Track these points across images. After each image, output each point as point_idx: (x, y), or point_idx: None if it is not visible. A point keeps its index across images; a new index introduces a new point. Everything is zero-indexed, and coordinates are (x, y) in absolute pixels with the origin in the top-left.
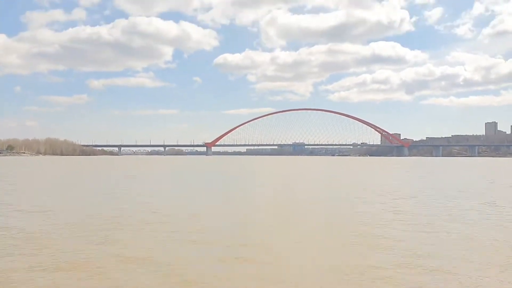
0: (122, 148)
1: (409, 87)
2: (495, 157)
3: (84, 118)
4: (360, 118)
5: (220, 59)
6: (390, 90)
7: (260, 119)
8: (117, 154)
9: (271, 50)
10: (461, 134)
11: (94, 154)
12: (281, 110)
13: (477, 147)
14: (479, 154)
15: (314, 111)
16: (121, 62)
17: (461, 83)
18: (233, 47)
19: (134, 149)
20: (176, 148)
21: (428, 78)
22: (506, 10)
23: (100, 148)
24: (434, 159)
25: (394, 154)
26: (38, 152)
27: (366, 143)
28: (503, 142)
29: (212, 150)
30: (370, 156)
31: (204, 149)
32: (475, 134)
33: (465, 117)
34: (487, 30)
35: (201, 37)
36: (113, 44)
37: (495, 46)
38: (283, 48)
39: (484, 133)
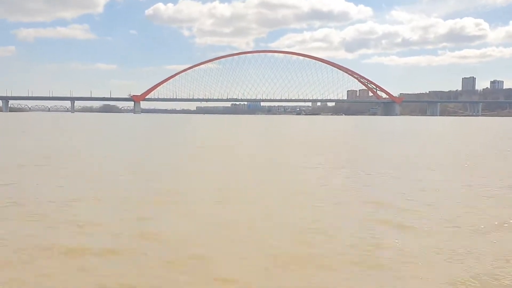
0: (29, 104)
1: (349, 45)
2: (506, 116)
3: (13, 72)
4: (330, 61)
5: (151, 10)
6: (330, 48)
7: (204, 65)
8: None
9: (205, 1)
10: (437, 90)
11: None
12: (228, 54)
13: (480, 104)
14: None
15: (268, 53)
16: (50, 12)
17: (401, 42)
18: None
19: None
20: (111, 104)
21: (370, 36)
22: None
23: None
24: (443, 119)
25: (377, 112)
26: None
27: (322, 100)
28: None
29: (157, 107)
30: (345, 115)
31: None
32: (452, 90)
33: (413, 76)
34: None
35: None
36: None
37: (433, 6)
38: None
39: (460, 89)
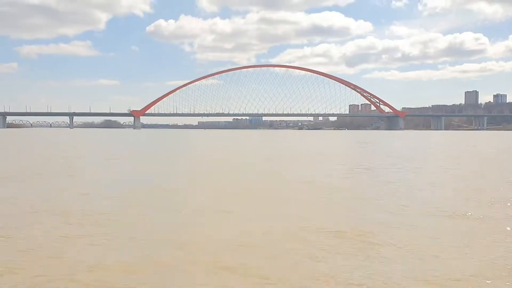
0: (30, 120)
1: (349, 60)
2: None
3: (15, 88)
4: (334, 76)
5: (152, 27)
6: (331, 63)
7: (205, 80)
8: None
9: (206, 17)
10: (440, 104)
11: None
12: (229, 69)
13: (486, 117)
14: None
15: (269, 68)
16: (52, 29)
17: (401, 56)
18: (167, 14)
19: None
20: (112, 119)
21: (370, 51)
22: None
23: None
24: (457, 133)
25: (381, 126)
26: None
27: (324, 114)
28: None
29: (158, 122)
30: (348, 129)
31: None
32: (456, 104)
33: (414, 90)
34: (422, 5)
35: (132, 2)
36: (39, 7)
37: (432, 21)
38: (218, 16)
39: (463, 103)
